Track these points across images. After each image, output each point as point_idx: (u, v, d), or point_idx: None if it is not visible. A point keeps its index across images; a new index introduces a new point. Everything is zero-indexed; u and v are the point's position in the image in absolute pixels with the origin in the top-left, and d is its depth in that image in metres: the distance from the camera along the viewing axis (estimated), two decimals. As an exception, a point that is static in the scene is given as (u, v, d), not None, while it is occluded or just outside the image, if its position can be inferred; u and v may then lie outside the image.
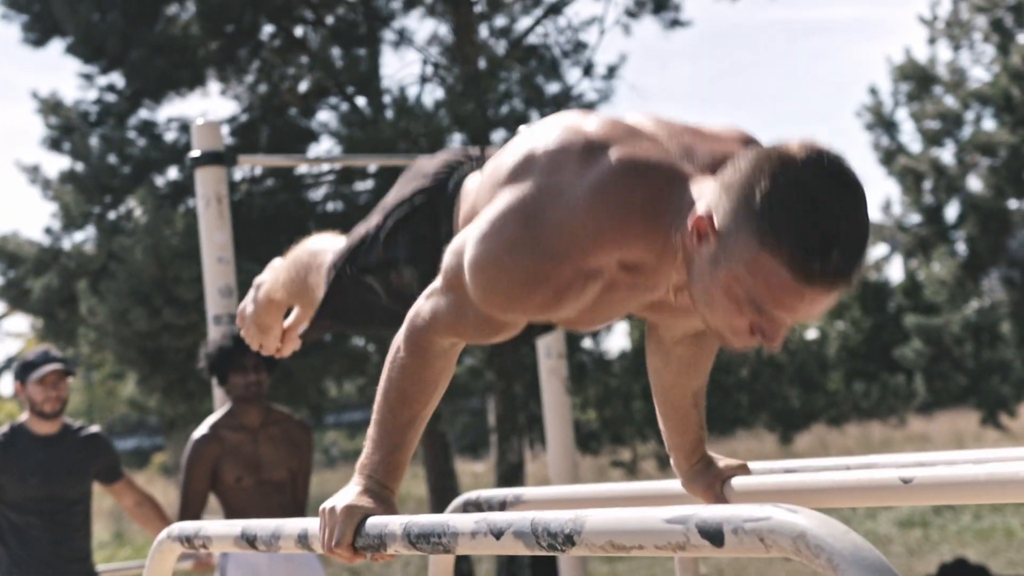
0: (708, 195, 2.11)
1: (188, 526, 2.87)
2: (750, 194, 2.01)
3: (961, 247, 24.06)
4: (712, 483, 2.79)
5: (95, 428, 6.32)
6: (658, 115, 2.40)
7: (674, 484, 2.94)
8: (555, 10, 15.60)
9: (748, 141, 2.33)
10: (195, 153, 6.62)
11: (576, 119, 2.35)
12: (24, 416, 6.11)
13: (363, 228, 2.90)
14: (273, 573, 6.20)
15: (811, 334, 28.92)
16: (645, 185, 2.19)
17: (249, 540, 2.68)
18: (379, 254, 2.78)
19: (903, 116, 25.07)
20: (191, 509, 6.13)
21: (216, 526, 2.85)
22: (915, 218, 24.07)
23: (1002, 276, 24.97)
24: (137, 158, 14.01)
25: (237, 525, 2.75)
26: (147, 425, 35.48)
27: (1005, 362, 24.18)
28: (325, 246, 3.13)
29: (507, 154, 2.39)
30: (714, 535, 1.68)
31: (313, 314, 3.04)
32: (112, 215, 14.15)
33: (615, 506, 2.90)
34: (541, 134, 2.35)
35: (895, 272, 34.13)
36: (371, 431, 2.46)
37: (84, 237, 14.60)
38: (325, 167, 14.37)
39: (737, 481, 2.76)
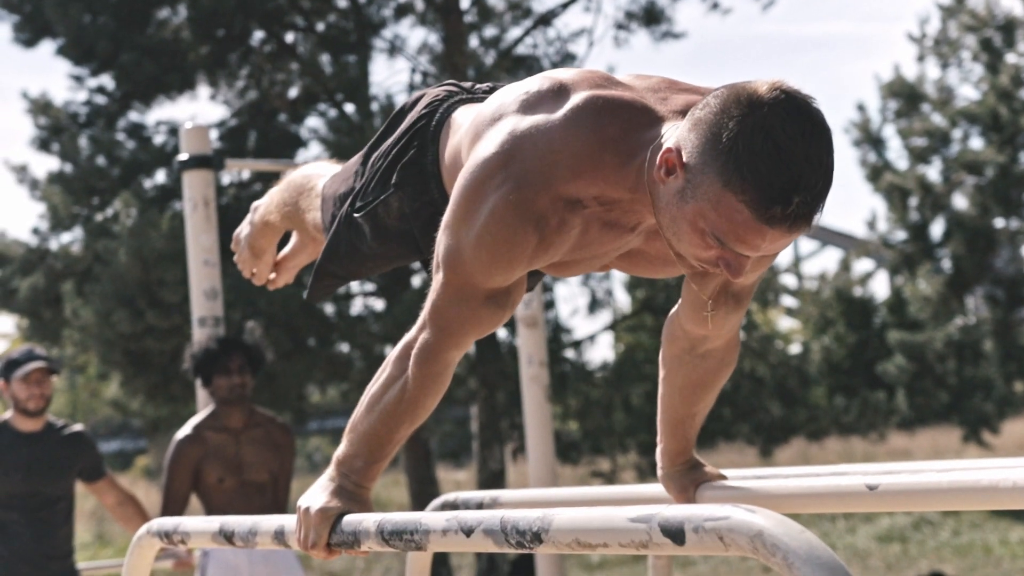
0: (678, 131, 2.18)
1: (167, 522, 2.90)
2: (717, 133, 2.07)
3: (946, 264, 24.12)
4: (687, 486, 2.85)
5: (78, 426, 6.35)
6: (640, 72, 2.47)
7: (646, 488, 2.99)
8: (545, 21, 15.66)
9: None
10: (183, 156, 6.65)
11: (553, 71, 2.43)
12: (8, 413, 6.14)
13: (355, 165, 2.92)
14: (253, 573, 6.23)
15: (794, 348, 29.00)
16: (617, 122, 2.27)
17: (227, 536, 2.71)
18: (369, 190, 2.78)
19: (890, 133, 25.14)
20: (172, 508, 6.17)
21: (195, 522, 2.88)
22: (900, 235, 24.13)
23: (986, 294, 25.05)
24: (125, 160, 14.02)
25: (215, 521, 2.78)
26: (130, 428, 35.43)
27: (988, 380, 24.23)
28: (319, 171, 3.15)
29: (488, 101, 2.47)
30: (675, 534, 1.73)
31: (316, 263, 3.04)
32: (99, 217, 14.16)
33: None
34: (519, 83, 2.45)
35: (880, 288, 34.17)
36: (355, 435, 2.49)
37: (71, 238, 14.62)
38: (313, 173, 14.40)
39: (709, 486, 2.82)
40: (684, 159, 2.12)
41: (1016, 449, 23.40)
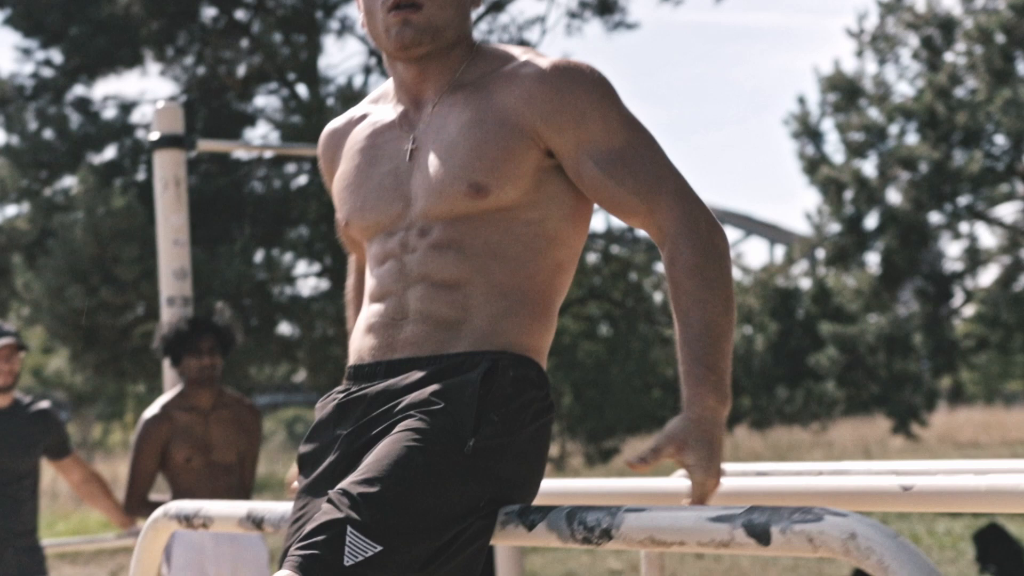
0: None
1: (187, 505, 2.90)
2: None
3: (876, 259, 24.39)
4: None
5: (45, 403, 6.31)
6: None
7: (669, 482, 3.01)
8: (498, 7, 15.66)
9: None
10: (154, 136, 6.63)
11: None
12: (-24, 390, 6.10)
13: None
14: (218, 553, 6.24)
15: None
16: None
17: (256, 522, 2.73)
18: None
19: (829, 127, 25.30)
20: (139, 487, 6.17)
21: (218, 507, 2.88)
22: (835, 227, 24.37)
23: (916, 289, 25.34)
24: (74, 135, 13.91)
25: (242, 507, 2.80)
26: (53, 400, 35.08)
27: (916, 373, 24.55)
28: None
29: None
30: (761, 534, 1.77)
31: None
32: (48, 191, 14.04)
33: (600, 500, 2.99)
34: None
35: (809, 281, 34.44)
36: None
37: (17, 211, 14.48)
38: (268, 154, 14.33)
39: (732, 483, 2.77)
40: None
41: (941, 441, 23.73)
